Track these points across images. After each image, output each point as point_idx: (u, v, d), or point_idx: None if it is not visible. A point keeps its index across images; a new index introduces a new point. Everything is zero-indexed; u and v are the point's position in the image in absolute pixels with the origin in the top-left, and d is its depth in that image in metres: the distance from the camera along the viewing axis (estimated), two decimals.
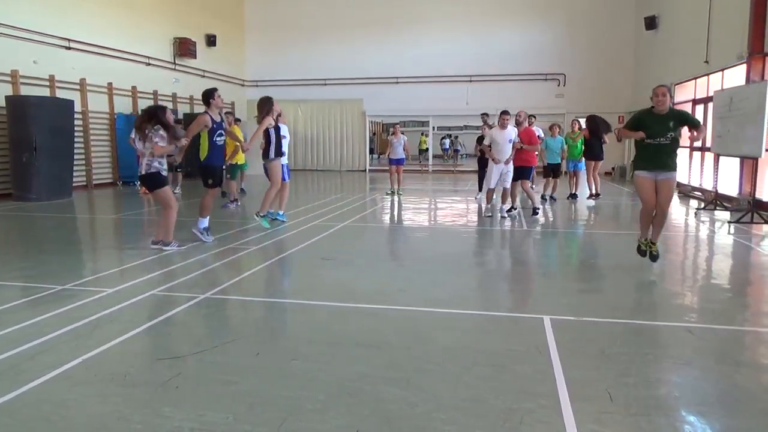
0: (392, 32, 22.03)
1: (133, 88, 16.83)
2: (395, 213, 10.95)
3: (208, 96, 7.17)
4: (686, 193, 13.69)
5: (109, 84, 15.84)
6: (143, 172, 6.76)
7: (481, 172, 12.33)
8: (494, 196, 9.89)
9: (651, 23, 17.90)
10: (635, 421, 2.74)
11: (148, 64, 17.55)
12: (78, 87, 14.66)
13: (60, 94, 13.78)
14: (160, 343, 3.83)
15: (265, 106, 8.19)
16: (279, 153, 8.35)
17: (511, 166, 9.39)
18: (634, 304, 4.79)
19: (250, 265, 6.18)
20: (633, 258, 6.19)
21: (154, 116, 6.71)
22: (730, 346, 3.89)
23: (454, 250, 7.24)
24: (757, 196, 10.05)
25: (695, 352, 3.77)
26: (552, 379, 3.17)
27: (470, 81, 21.74)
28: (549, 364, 3.38)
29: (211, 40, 20.77)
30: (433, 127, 25.27)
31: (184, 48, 18.85)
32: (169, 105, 18.26)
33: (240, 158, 11.40)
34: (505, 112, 9.35)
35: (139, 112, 16.64)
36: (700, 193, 13.21)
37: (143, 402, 2.93)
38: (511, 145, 9.35)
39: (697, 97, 14.59)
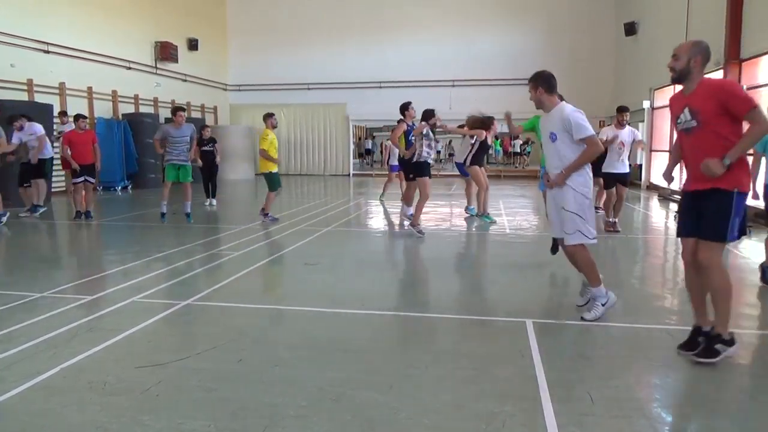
0: (375, 37, 22.09)
1: (114, 92, 16.66)
2: (379, 218, 10.94)
3: (404, 108, 8.62)
4: (665, 196, 13.88)
5: (89, 88, 15.66)
6: (416, 160, 8.27)
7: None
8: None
9: (630, 29, 18.18)
10: (616, 422, 2.76)
11: (129, 68, 17.39)
12: (57, 91, 14.48)
13: (38, 98, 13.58)
14: (140, 351, 3.78)
15: (486, 121, 9.63)
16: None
17: (567, 195, 4.22)
18: (615, 308, 4.83)
19: (233, 271, 6.13)
20: (614, 261, 6.26)
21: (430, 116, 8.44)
22: None
23: (436, 254, 7.26)
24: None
25: (675, 354, 3.81)
26: (534, 382, 3.19)
27: (453, 86, 21.87)
28: (531, 367, 3.40)
29: (192, 44, 20.65)
30: None
31: (165, 52, 18.71)
32: (151, 109, 18.12)
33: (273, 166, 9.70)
34: None
35: (120, 117, 16.56)
36: (678, 197, 13.39)
37: (122, 410, 2.89)
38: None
39: None
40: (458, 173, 11.19)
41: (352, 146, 24.36)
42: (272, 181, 9.65)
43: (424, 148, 8.18)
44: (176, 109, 9.35)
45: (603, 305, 4.30)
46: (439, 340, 4.05)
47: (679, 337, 4.09)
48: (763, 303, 5.19)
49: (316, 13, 22.51)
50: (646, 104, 16.42)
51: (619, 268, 6.46)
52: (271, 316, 4.66)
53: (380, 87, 22.16)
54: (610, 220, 8.75)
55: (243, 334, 4.15)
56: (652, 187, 16.44)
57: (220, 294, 5.22)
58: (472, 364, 3.51)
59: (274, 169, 9.64)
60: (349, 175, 23.18)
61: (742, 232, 3.52)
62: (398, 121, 8.95)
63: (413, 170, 8.41)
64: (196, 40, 20.75)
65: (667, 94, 15.36)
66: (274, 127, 9.84)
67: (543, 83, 4.29)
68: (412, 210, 9.00)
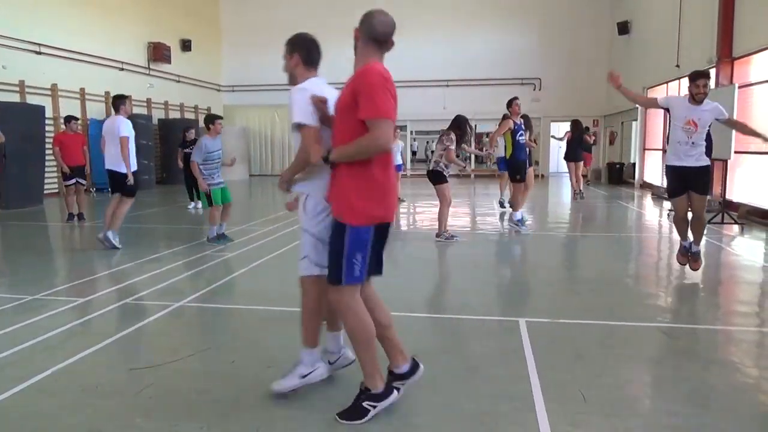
0: None
1: (107, 93, 16.56)
2: None
3: (509, 104, 8.39)
4: (659, 194, 13.94)
5: (82, 89, 15.59)
6: (430, 168, 7.83)
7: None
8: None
9: (624, 28, 18.24)
10: (609, 421, 2.77)
11: (122, 69, 17.32)
12: (49, 92, 14.40)
13: (30, 99, 13.51)
14: (133, 353, 3.77)
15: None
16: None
17: (303, 205, 3.05)
18: (608, 306, 4.85)
19: (226, 272, 6.12)
20: (608, 260, 6.28)
21: (459, 125, 7.82)
22: (702, 346, 3.96)
23: (429, 255, 7.27)
24: (727, 197, 10.28)
25: (667, 351, 3.84)
26: (527, 382, 3.19)
27: (447, 86, 21.88)
28: (524, 367, 3.40)
29: (186, 45, 20.58)
30: (411, 132, 25.33)
31: (158, 53, 18.65)
32: (144, 110, 18.05)
33: None
34: None
35: None
36: None
37: (115, 413, 2.88)
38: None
39: None
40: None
41: None
42: None
43: (442, 161, 7.66)
44: (214, 117, 7.74)
45: (303, 377, 3.07)
46: (433, 340, 4.05)
47: (672, 335, 4.11)
48: (755, 300, 5.22)
49: (310, 14, 22.47)
50: None
51: (612, 267, 6.48)
52: (264, 317, 4.65)
53: None
54: (686, 244, 5.63)
55: (237, 336, 4.15)
56: (645, 186, 16.50)
57: (213, 295, 5.20)
58: (465, 363, 3.52)
59: None
60: None
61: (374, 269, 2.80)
62: (503, 117, 8.51)
63: (431, 179, 7.81)
64: (189, 41, 20.69)
65: (660, 94, 15.42)
66: None
67: (300, 48, 3.14)
68: (519, 215, 8.62)
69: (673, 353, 3.80)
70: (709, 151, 5.42)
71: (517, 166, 8.47)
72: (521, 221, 8.59)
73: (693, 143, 5.32)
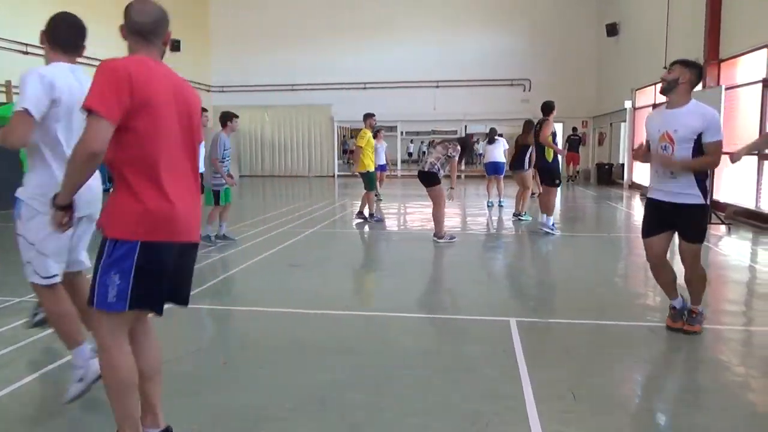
0: (360, 38, 22.06)
1: None
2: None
3: (551, 109, 8.63)
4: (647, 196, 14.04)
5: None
6: (425, 170, 7.76)
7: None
8: None
9: (612, 30, 18.36)
10: (599, 420, 2.79)
11: None
12: None
13: (17, 100, 13.36)
14: None
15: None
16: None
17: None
18: (598, 305, 4.88)
19: (216, 273, 6.09)
20: (598, 260, 6.30)
21: (464, 146, 8.05)
22: (691, 345, 3.98)
23: (421, 255, 7.27)
24: (714, 197, 10.37)
25: (657, 351, 3.87)
26: (518, 381, 3.20)
27: (437, 86, 21.92)
28: (515, 366, 3.41)
29: (175, 46, 20.42)
30: (402, 132, 25.36)
31: None
32: None
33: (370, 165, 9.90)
34: None
35: None
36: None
37: (104, 416, 2.84)
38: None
39: (657, 102, 14.99)
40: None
41: (336, 147, 24.31)
42: (369, 180, 9.76)
43: (438, 164, 7.60)
44: (231, 115, 7.63)
45: (80, 380, 2.90)
46: (424, 341, 4.06)
47: (661, 334, 4.14)
48: (742, 299, 5.27)
49: (301, 14, 22.44)
50: (627, 104, 16.60)
51: (602, 267, 6.52)
52: (255, 318, 4.63)
53: (365, 88, 22.14)
54: (675, 304, 4.13)
55: (227, 337, 4.13)
56: (634, 186, 16.61)
57: (203, 296, 5.17)
58: (456, 363, 3.52)
59: (372, 169, 9.80)
60: (333, 176, 23.14)
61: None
62: (544, 121, 8.42)
63: (424, 180, 7.76)
64: (179, 41, 20.52)
65: (648, 95, 15.54)
66: (372, 127, 9.89)
67: (46, 27, 3.04)
68: (552, 219, 8.43)
69: (662, 352, 3.83)
70: (703, 182, 3.75)
71: (553, 170, 8.45)
72: (553, 226, 8.43)
73: (672, 173, 3.79)
